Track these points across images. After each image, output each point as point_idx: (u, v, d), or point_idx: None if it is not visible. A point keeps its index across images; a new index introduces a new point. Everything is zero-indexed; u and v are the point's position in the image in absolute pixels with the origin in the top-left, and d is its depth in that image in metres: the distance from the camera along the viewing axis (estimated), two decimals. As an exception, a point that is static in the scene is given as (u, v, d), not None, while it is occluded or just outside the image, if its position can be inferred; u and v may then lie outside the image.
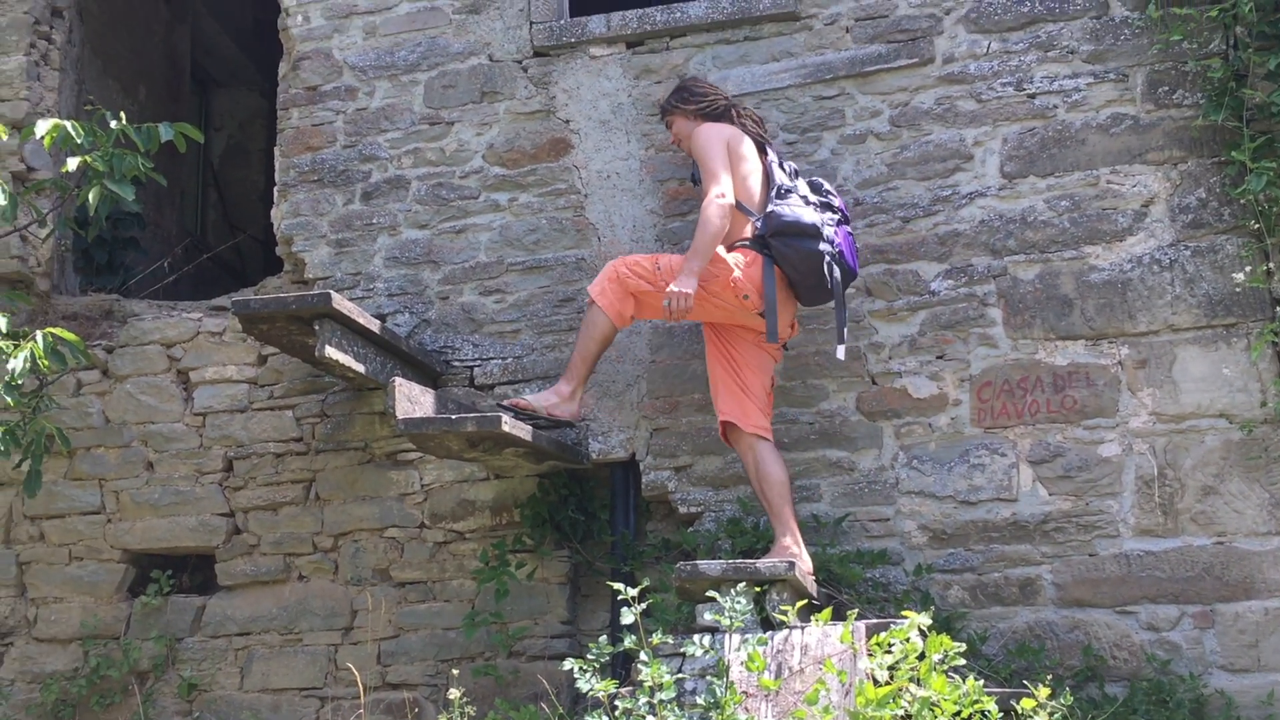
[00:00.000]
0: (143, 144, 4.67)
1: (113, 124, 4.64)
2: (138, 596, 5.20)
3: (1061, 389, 4.59)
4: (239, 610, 5.10)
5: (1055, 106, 4.76)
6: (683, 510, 4.81)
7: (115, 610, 5.19)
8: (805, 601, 3.69)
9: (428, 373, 5.00)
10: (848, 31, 5.00)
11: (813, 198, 4.46)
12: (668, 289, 4.28)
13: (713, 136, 4.47)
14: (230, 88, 8.63)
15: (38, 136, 4.55)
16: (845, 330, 4.45)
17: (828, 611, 3.34)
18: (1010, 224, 4.73)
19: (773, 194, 4.46)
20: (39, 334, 4.42)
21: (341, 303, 4.35)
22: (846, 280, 4.48)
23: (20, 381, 4.43)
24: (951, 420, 4.67)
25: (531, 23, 5.27)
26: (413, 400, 4.27)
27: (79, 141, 4.58)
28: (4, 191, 4.54)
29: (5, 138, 4.73)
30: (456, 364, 5.11)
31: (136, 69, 6.86)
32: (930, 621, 3.28)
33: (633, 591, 3.32)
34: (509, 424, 4.17)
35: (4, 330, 4.56)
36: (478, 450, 4.37)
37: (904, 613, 3.36)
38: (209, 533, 5.17)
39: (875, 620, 3.89)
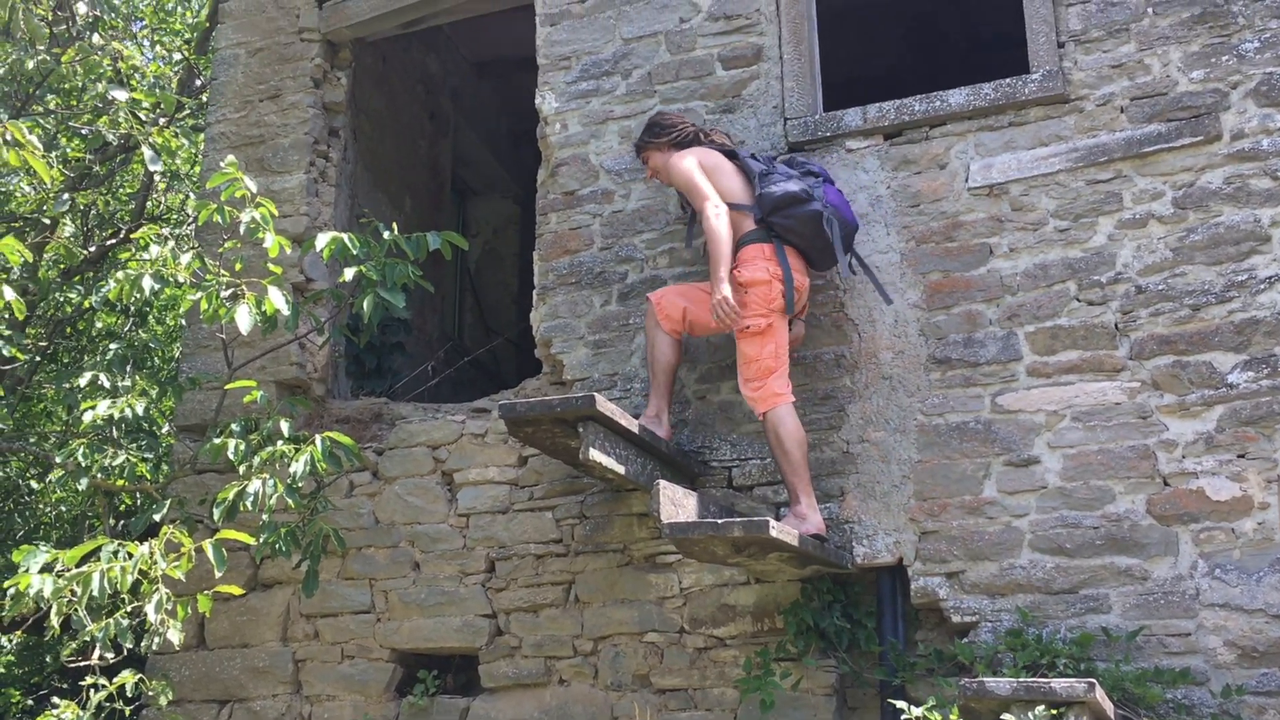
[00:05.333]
0: (412, 253, 4.85)
1: (385, 235, 4.83)
2: (405, 696, 5.26)
3: (1388, 491, 4.13)
4: (501, 713, 5.09)
5: (1364, 180, 4.36)
6: (955, 620, 4.54)
7: (384, 709, 5.26)
8: (1107, 726, 3.38)
9: (685, 473, 4.93)
10: (1122, 111, 4.74)
11: (790, 171, 4.79)
12: (711, 302, 4.59)
13: (685, 164, 4.82)
14: (485, 196, 8.96)
15: (318, 249, 4.78)
16: (879, 284, 4.82)
17: (1140, 741, 3.03)
18: (1318, 309, 4.33)
19: (755, 183, 4.74)
20: (318, 438, 4.59)
21: (604, 404, 4.34)
22: (849, 233, 4.75)
23: (300, 484, 4.60)
24: (1259, 525, 4.25)
25: (786, 119, 5.23)
26: (676, 503, 4.19)
27: (354, 252, 4.79)
28: (287, 302, 4.78)
29: (289, 251, 4.98)
30: (714, 464, 5.03)
31: (403, 181, 7.20)
32: (1256, 754, 2.94)
33: (917, 711, 3.11)
34: (775, 529, 4.04)
35: (286, 435, 4.76)
36: (742, 555, 4.25)
37: (1224, 744, 3.02)
38: (473, 633, 5.20)
39: (1190, 751, 3.53)
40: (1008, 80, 4.91)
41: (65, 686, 8.17)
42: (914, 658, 4.60)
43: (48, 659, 8.57)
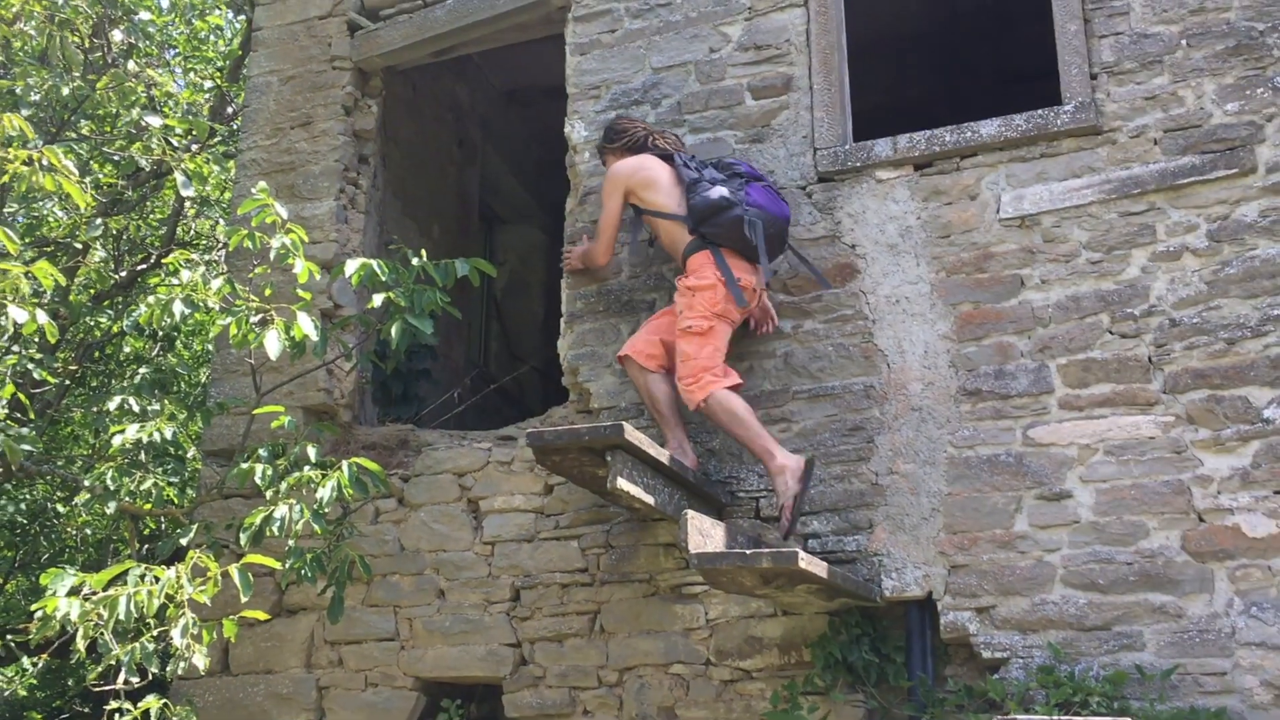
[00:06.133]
0: (440, 279, 4.85)
1: (413, 261, 4.84)
2: (428, 726, 5.24)
3: None
4: (525, 744, 5.05)
5: (1403, 214, 4.31)
6: (986, 655, 4.48)
7: (407, 739, 5.23)
8: (1143, 767, 3.32)
9: (713, 504, 4.89)
10: (1156, 143, 4.71)
11: (718, 175, 4.90)
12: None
13: (613, 186, 5.05)
14: (512, 223, 8.98)
15: (347, 275, 4.79)
16: (815, 267, 4.99)
17: (1177, 783, 2.97)
18: (1356, 344, 4.27)
19: (686, 192, 4.89)
20: (345, 464, 4.58)
21: (633, 433, 4.31)
22: (780, 227, 4.86)
23: (327, 510, 4.59)
24: (1296, 563, 4.19)
25: (816, 149, 5.22)
26: (704, 534, 4.16)
27: (383, 279, 4.79)
28: (316, 328, 4.78)
29: (318, 277, 4.99)
30: (742, 495, 4.99)
31: (431, 208, 7.22)
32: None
33: (949, 749, 3.06)
34: (804, 561, 4.00)
35: (313, 460, 4.75)
36: (770, 587, 4.20)
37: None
38: (497, 662, 5.17)
39: (1228, 793, 3.46)
40: (1040, 111, 4.89)
41: (87, 711, 8.18)
42: (943, 693, 4.54)
43: (70, 682, 8.58)
